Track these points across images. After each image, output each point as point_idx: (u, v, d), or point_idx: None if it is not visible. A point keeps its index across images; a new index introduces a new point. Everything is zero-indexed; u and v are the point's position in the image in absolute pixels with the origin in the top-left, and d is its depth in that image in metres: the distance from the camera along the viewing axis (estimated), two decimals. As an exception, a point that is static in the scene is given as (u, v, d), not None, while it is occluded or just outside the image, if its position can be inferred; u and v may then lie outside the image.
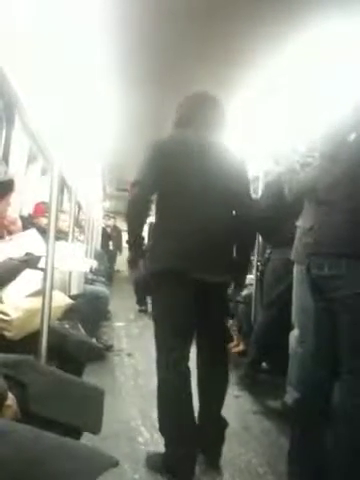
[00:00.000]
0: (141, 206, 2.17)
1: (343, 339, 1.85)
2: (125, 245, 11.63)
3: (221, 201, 2.20)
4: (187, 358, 2.17)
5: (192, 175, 2.16)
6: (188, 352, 2.19)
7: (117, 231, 11.00)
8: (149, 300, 6.02)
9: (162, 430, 2.17)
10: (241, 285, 2.48)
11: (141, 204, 2.17)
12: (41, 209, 3.53)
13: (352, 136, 1.89)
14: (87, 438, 1.43)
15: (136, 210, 2.19)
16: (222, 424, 2.27)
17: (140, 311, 7.10)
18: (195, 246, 2.13)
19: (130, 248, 2.26)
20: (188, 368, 2.15)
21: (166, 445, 2.14)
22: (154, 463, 2.18)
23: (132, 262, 2.26)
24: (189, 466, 2.09)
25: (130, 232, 2.24)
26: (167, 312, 2.18)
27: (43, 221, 3.26)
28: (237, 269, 2.35)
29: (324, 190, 1.95)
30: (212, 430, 2.25)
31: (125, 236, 9.34)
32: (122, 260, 10.22)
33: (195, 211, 2.16)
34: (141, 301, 7.19)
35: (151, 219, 2.37)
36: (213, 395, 2.28)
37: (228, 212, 2.26)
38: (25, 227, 2.70)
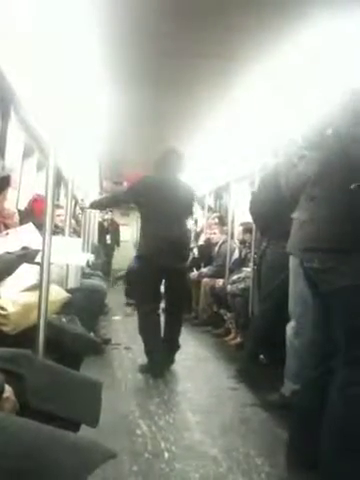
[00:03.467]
0: (112, 203, 4.52)
1: (337, 331, 1.86)
2: (123, 239, 11.71)
3: (178, 218, 3.71)
4: (156, 309, 3.79)
5: (161, 202, 3.58)
6: (157, 306, 3.82)
7: (115, 225, 10.93)
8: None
9: (145, 348, 3.66)
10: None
11: (112, 203, 4.48)
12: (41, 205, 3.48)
13: (329, 131, 1.90)
14: (85, 431, 1.43)
15: (108, 202, 4.37)
16: (176, 345, 3.80)
17: (127, 304, 6.93)
18: (162, 245, 3.54)
19: (93, 206, 4.51)
20: (156, 313, 3.78)
21: (146, 352, 3.65)
22: (143, 369, 3.62)
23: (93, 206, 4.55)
24: (158, 360, 3.61)
25: (96, 204, 4.40)
26: (143, 282, 3.76)
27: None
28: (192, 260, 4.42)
29: (309, 185, 1.97)
30: (169, 345, 3.76)
31: (123, 230, 9.67)
32: (119, 255, 10.23)
33: (163, 224, 3.58)
34: (130, 294, 7.10)
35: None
36: (172, 330, 3.79)
37: (183, 225, 3.84)
38: (22, 221, 2.69)
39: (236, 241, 5.59)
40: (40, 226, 1.94)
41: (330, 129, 1.90)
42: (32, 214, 3.40)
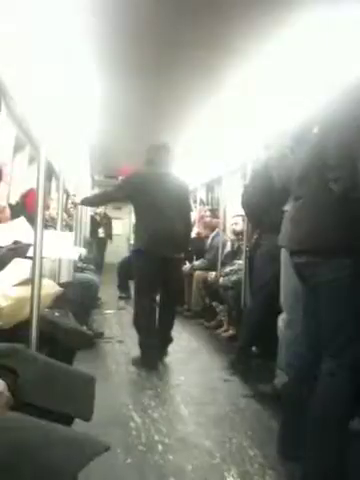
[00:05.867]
0: (104, 201, 4.73)
1: (323, 322, 1.89)
2: (115, 233, 11.71)
3: (175, 209, 3.68)
4: (153, 300, 3.80)
5: (156, 194, 3.62)
6: (154, 297, 3.83)
7: (107, 219, 10.91)
8: (131, 287, 6.03)
9: (139, 340, 3.69)
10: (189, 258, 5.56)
11: (104, 200, 4.62)
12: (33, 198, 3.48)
13: (314, 130, 1.91)
14: (79, 425, 1.44)
15: (100, 200, 4.45)
16: (169, 338, 3.86)
17: (120, 298, 6.95)
18: (159, 236, 3.60)
19: (85, 204, 4.39)
20: (153, 305, 3.78)
21: (140, 345, 3.67)
22: (136, 361, 3.65)
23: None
24: (152, 353, 3.64)
25: (88, 202, 4.30)
26: (142, 274, 3.73)
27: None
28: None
29: (295, 184, 1.98)
30: (163, 337, 3.82)
31: (116, 224, 9.78)
32: (112, 249, 10.21)
33: (159, 216, 3.60)
34: (122, 287, 7.08)
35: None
36: (165, 322, 3.85)
37: (179, 216, 3.73)
38: (14, 216, 2.68)
39: (228, 234, 5.60)
40: (32, 220, 1.93)
41: (316, 128, 1.91)
42: (24, 208, 3.39)
